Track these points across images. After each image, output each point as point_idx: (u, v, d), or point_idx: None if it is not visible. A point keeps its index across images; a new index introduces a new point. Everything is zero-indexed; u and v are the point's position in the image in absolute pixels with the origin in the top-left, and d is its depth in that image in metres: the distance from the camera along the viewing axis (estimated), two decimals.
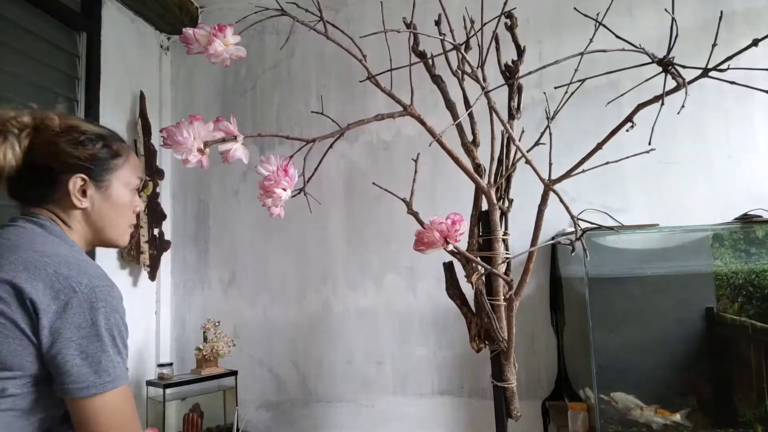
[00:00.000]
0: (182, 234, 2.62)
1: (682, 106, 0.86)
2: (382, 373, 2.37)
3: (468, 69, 1.20)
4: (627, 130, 0.94)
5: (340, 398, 2.40)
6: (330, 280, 2.47)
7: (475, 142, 1.41)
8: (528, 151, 1.07)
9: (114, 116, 2.30)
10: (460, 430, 2.29)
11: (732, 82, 0.84)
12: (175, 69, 2.75)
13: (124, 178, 0.98)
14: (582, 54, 0.96)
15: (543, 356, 2.24)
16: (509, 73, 1.43)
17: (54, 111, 0.94)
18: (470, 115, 1.36)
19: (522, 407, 1.43)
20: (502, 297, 1.35)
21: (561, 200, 1.02)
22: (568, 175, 1.05)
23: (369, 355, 2.40)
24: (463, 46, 1.18)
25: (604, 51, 0.92)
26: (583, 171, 1.03)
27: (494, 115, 1.16)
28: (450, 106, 1.42)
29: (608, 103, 1.10)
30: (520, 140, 1.14)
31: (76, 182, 0.91)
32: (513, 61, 1.42)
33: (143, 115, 2.43)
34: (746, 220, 1.88)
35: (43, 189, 0.91)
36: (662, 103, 0.84)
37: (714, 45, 0.84)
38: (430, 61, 1.40)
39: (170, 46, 2.75)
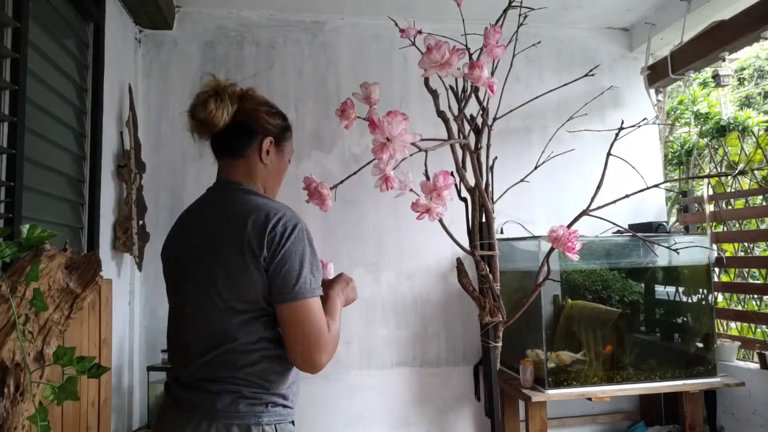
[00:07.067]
0: (154, 226, 2.66)
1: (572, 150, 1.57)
2: (351, 351, 2.78)
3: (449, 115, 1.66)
4: (537, 167, 1.62)
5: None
6: None
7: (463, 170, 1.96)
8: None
9: (111, 107, 2.31)
10: (413, 394, 2.83)
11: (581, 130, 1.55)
12: (147, 63, 2.77)
13: (290, 149, 1.26)
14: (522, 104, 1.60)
15: (475, 331, 2.90)
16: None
17: (246, 86, 1.20)
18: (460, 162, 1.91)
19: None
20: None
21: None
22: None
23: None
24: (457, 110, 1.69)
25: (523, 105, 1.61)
26: (506, 191, 1.63)
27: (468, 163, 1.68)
28: (450, 136, 1.91)
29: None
30: (493, 165, 1.67)
31: (267, 142, 1.18)
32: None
33: (132, 107, 2.46)
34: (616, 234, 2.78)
35: (242, 144, 1.17)
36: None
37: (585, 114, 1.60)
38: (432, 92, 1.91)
39: (142, 39, 2.76)
